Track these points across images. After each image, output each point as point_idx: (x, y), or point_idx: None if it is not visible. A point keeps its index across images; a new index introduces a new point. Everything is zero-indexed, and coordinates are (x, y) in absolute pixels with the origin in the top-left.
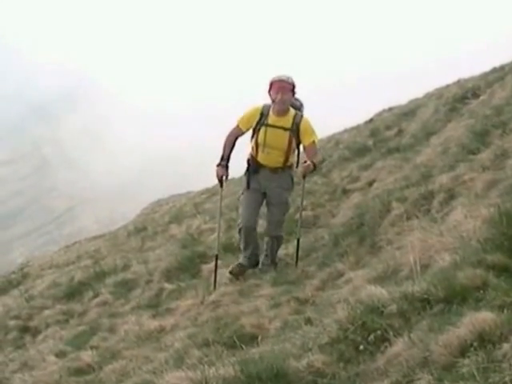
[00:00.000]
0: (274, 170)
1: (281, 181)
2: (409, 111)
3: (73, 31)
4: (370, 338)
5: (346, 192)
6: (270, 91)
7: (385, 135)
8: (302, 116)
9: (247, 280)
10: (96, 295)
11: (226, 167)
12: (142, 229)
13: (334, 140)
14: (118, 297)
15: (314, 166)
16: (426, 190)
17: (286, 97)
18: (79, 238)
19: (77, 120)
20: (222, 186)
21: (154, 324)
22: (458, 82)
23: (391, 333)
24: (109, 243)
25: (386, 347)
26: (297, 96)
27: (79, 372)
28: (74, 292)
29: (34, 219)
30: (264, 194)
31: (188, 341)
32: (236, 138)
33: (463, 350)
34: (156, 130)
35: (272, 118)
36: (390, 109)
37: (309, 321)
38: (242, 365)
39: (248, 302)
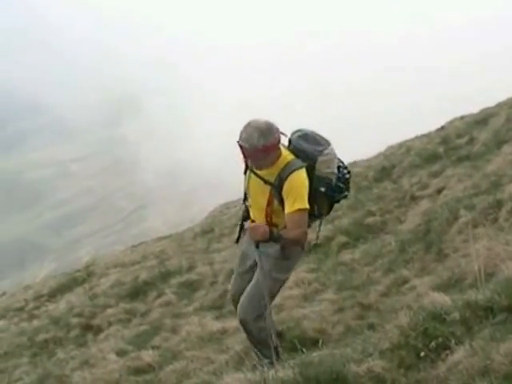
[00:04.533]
0: None
1: (266, 244)
2: (480, 120)
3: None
4: (431, 345)
5: (414, 198)
6: None
7: (456, 143)
8: (294, 170)
9: (311, 284)
10: (160, 295)
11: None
12: (209, 231)
13: (405, 146)
14: (181, 297)
15: (271, 233)
16: (495, 199)
17: (260, 162)
18: (146, 238)
19: (147, 121)
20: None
21: (216, 326)
22: None
23: (453, 340)
24: (175, 244)
25: (447, 355)
26: (318, 133)
27: (139, 371)
28: (137, 291)
29: (102, 218)
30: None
31: (249, 343)
32: None
33: None
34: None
35: None
36: (462, 117)
37: (371, 326)
38: (301, 367)
39: (311, 307)
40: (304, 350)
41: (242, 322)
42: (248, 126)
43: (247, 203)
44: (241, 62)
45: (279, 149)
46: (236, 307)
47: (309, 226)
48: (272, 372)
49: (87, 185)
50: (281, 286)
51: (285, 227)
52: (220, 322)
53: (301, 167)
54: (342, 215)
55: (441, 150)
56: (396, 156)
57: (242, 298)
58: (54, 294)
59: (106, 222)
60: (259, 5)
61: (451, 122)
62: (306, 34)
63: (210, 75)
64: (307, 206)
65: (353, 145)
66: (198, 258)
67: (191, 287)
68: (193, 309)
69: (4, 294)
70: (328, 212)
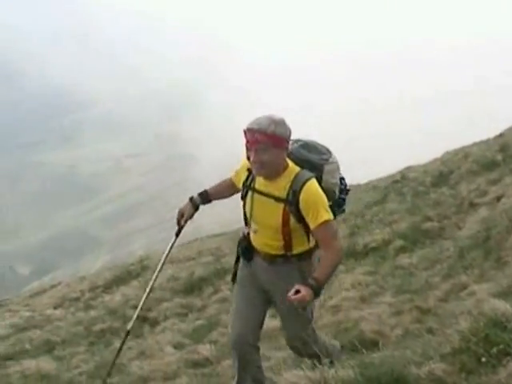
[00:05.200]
0: (271, 260)
1: (286, 278)
2: None
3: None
4: (492, 351)
5: (473, 205)
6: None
7: None
8: (306, 180)
9: (369, 286)
10: (216, 291)
11: (196, 205)
12: None
13: (463, 153)
14: None
15: (313, 289)
16: None
17: (263, 157)
18: (198, 235)
19: (203, 117)
20: (178, 232)
21: (272, 323)
22: None
23: None
24: (230, 241)
25: (508, 361)
26: (318, 142)
27: (197, 364)
28: (193, 287)
29: (155, 214)
30: (265, 292)
31: None
32: (233, 185)
33: None
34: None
35: (259, 181)
36: None
37: (430, 330)
38: (361, 368)
39: (369, 309)
40: (364, 350)
41: (303, 342)
42: (259, 118)
43: (248, 229)
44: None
45: (285, 155)
46: (243, 357)
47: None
48: (332, 371)
49: (141, 180)
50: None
51: (309, 250)
52: (276, 320)
53: (312, 177)
54: (400, 219)
55: (499, 157)
56: (453, 162)
57: (290, 335)
58: (110, 285)
59: (158, 218)
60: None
61: (510, 129)
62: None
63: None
64: (331, 216)
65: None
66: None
67: None
68: None
69: (59, 283)
70: None
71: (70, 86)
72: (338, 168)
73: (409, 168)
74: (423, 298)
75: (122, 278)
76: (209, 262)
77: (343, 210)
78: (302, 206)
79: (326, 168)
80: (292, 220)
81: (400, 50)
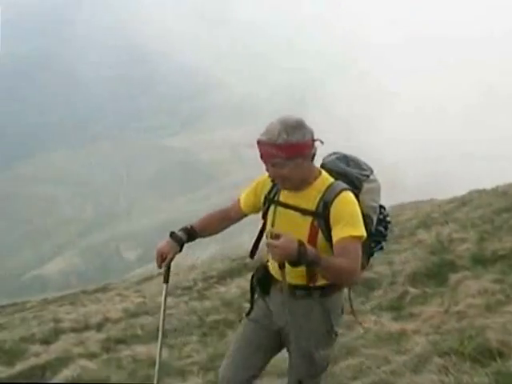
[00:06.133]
0: (290, 291)
1: (305, 314)
2: None
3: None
4: None
5: None
6: None
7: None
8: (341, 191)
9: (495, 295)
10: None
11: (180, 241)
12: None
13: None
14: (358, 294)
15: (299, 251)
16: None
17: (282, 172)
18: None
19: (329, 110)
20: (166, 279)
21: (394, 326)
22: None
23: None
24: None
25: None
26: (358, 158)
27: None
28: None
29: None
30: (278, 333)
31: (430, 347)
32: (227, 217)
33: None
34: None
35: (285, 193)
36: None
37: None
38: (496, 376)
39: (494, 317)
40: (495, 359)
41: None
42: (271, 126)
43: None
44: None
45: (309, 162)
46: None
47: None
48: (466, 376)
49: (259, 171)
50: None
51: (336, 285)
52: (398, 323)
53: (349, 189)
54: None
55: None
56: None
57: (291, 381)
58: (224, 276)
59: None
60: None
61: None
62: None
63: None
64: (364, 234)
65: None
66: (376, 257)
67: (368, 285)
68: (369, 307)
69: None
70: (364, 266)
71: (199, 69)
72: (378, 189)
73: None
74: None
75: (238, 269)
76: None
77: (381, 248)
78: (332, 217)
79: (366, 186)
80: (320, 237)
81: None
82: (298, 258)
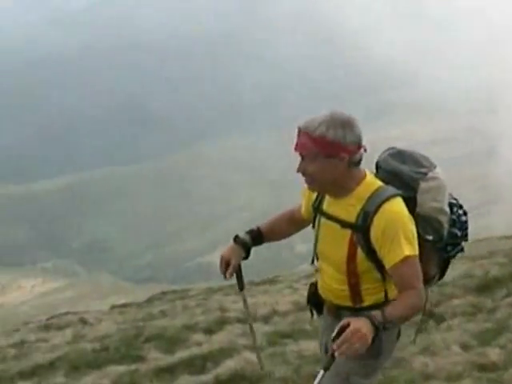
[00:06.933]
0: (335, 313)
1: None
2: None
3: None
4: None
5: None
6: None
7: None
8: (386, 199)
9: None
10: (509, 294)
11: (245, 245)
12: None
13: None
14: None
15: (375, 324)
16: None
17: (308, 168)
18: (487, 234)
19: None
20: (241, 286)
21: None
22: None
23: None
24: None
25: None
26: (419, 152)
27: (482, 368)
28: (486, 286)
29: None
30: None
31: None
32: (293, 218)
33: None
34: None
35: (328, 200)
36: None
37: None
38: None
39: None
40: None
41: None
42: (312, 119)
43: (316, 266)
44: None
45: (343, 168)
46: None
47: None
48: None
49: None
50: None
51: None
52: None
53: (397, 195)
54: None
55: None
56: None
57: None
58: None
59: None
60: None
61: None
62: None
63: None
64: (416, 251)
65: None
66: None
67: None
68: None
69: None
70: (442, 274)
71: (393, 63)
72: (442, 187)
73: None
74: None
75: None
76: (504, 263)
77: (461, 250)
78: (373, 234)
79: (423, 185)
80: (360, 254)
81: None
82: (376, 333)
